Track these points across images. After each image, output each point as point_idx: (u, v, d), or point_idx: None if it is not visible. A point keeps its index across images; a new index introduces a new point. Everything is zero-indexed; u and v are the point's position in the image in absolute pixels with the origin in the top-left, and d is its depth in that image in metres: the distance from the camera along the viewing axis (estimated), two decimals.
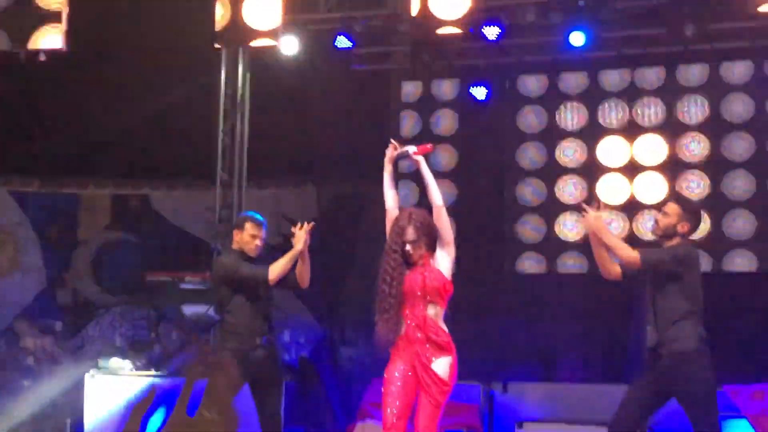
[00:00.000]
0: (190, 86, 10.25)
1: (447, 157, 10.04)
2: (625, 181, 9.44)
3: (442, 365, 5.23)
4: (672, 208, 5.64)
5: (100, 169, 11.23)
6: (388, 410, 5.22)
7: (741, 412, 7.83)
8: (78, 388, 8.99)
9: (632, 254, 5.51)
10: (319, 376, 10.22)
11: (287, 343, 10.50)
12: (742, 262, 9.10)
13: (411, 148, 5.56)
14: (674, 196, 5.84)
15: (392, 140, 5.63)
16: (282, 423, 6.40)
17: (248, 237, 6.26)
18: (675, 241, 5.61)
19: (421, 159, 5.53)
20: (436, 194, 5.43)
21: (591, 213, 5.60)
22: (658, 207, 5.89)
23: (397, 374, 5.25)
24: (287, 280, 6.27)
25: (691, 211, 5.71)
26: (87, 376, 8.77)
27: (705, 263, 9.08)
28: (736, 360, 8.58)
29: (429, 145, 5.70)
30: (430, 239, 5.34)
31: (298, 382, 9.85)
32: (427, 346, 5.23)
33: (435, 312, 5.30)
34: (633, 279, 5.71)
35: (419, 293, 5.29)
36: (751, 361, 8.59)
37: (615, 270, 5.67)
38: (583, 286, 9.35)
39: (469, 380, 8.84)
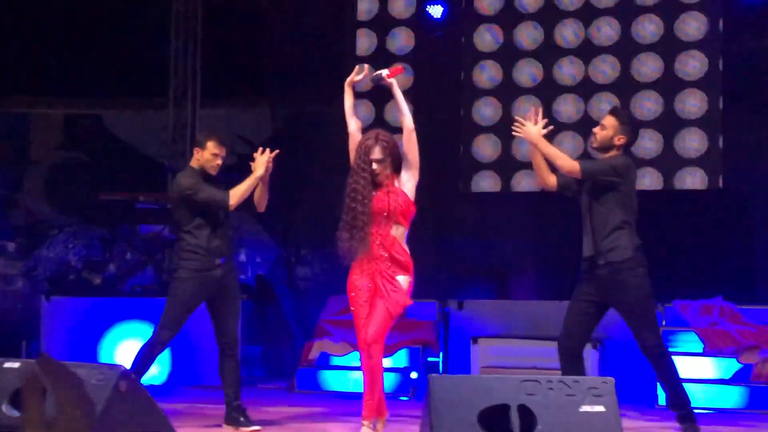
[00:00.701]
0: (142, 4, 10.07)
1: (403, 76, 9.96)
2: (580, 100, 9.50)
3: (402, 282, 5.45)
4: (609, 120, 5.70)
5: (52, 89, 11.04)
6: (360, 320, 5.44)
7: (690, 326, 8.02)
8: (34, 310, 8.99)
9: (572, 164, 5.61)
10: (276, 295, 10.28)
11: (243, 262, 10.53)
12: (692, 180, 9.23)
13: (383, 72, 5.56)
14: (612, 109, 5.88)
15: (363, 64, 5.64)
16: (239, 341, 6.44)
17: (209, 156, 6.19)
18: (611, 153, 5.68)
19: (393, 81, 5.55)
20: (408, 118, 5.48)
21: (529, 124, 5.64)
22: None
23: (362, 288, 5.46)
24: (244, 203, 6.25)
25: (628, 123, 5.77)
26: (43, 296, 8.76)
27: (656, 181, 9.24)
28: (685, 276, 8.75)
29: (400, 67, 5.70)
30: (396, 160, 5.46)
31: (254, 302, 9.90)
32: (390, 263, 5.43)
33: (398, 232, 5.47)
34: (568, 189, 5.78)
35: (385, 214, 5.44)
36: (699, 276, 8.76)
37: (551, 180, 5.76)
38: (538, 204, 9.45)
39: (425, 298, 8.95)
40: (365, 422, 5.57)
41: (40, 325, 8.99)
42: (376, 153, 5.43)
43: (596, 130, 5.75)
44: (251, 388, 8.14)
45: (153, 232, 9.44)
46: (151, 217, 9.47)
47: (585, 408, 3.70)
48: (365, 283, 5.45)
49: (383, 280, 5.41)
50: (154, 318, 6.29)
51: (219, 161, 6.18)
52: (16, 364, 4.12)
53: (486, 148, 9.79)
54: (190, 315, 6.23)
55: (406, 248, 5.51)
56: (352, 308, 5.52)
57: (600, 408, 3.71)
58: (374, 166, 5.41)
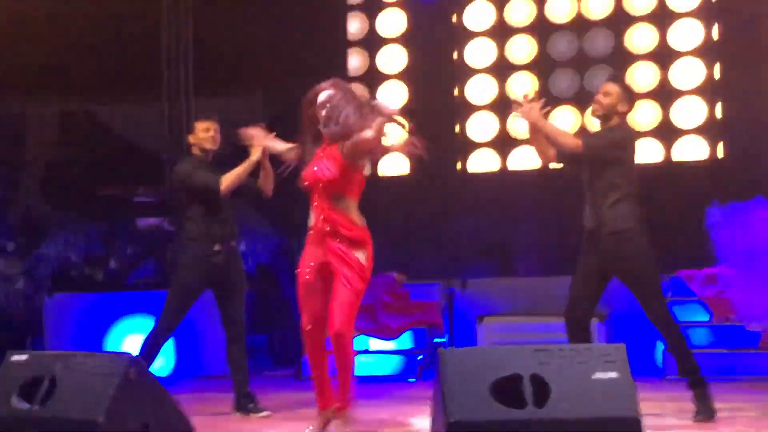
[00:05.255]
0: None
1: (397, 57, 9.95)
2: (576, 74, 9.46)
3: (361, 258, 4.92)
4: (612, 87, 5.68)
5: (45, 86, 10.97)
6: (305, 317, 5.00)
7: (696, 296, 8.00)
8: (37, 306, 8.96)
9: (574, 141, 5.59)
10: (278, 284, 10.25)
11: (243, 252, 10.49)
12: (692, 150, 9.19)
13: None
14: (611, 76, 5.84)
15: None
16: (245, 329, 6.41)
17: (201, 134, 6.23)
18: (615, 121, 5.66)
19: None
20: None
21: (526, 104, 5.60)
22: None
23: (308, 274, 4.95)
24: (250, 189, 6.25)
25: (629, 90, 5.80)
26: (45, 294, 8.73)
27: (655, 153, 9.20)
28: (688, 246, 8.72)
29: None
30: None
31: (257, 291, 9.88)
32: (339, 240, 4.91)
33: (345, 204, 4.96)
34: (569, 162, 5.76)
35: (321, 185, 4.94)
36: (703, 246, 8.73)
37: (551, 153, 5.73)
38: (537, 181, 9.42)
39: (428, 279, 8.95)
40: (329, 413, 5.05)
41: (44, 322, 8.97)
42: (323, 96, 4.93)
43: (599, 97, 5.71)
44: (258, 377, 8.10)
45: (152, 225, 9.41)
46: (150, 210, 9.44)
47: (598, 375, 3.68)
48: (313, 269, 4.92)
49: (338, 261, 4.85)
50: (158, 311, 6.26)
51: (212, 133, 6.22)
52: (23, 357, 4.10)
53: (482, 126, 9.74)
54: (194, 303, 6.21)
55: (358, 220, 4.96)
56: (299, 295, 4.99)
57: (613, 374, 3.69)
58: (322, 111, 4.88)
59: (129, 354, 4.00)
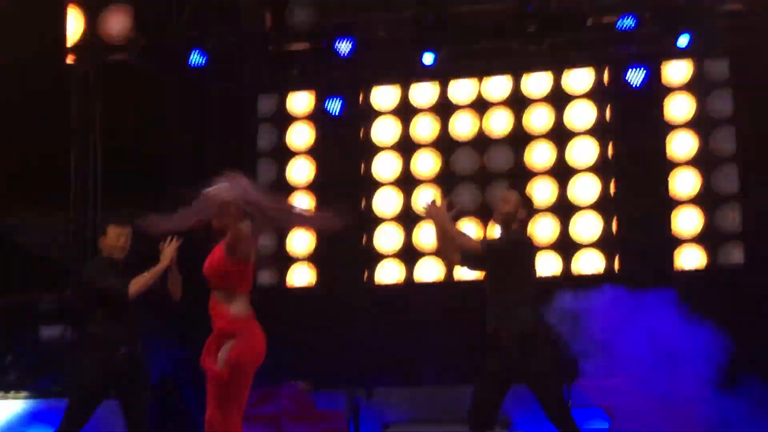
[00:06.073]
0: (40, 104, 10.03)
1: (304, 169, 10.15)
2: (478, 189, 9.75)
3: (224, 350, 4.85)
4: (512, 195, 5.92)
5: None
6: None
7: (594, 403, 8.17)
8: None
9: (474, 242, 5.82)
10: (181, 395, 10.12)
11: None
12: (590, 263, 9.49)
13: None
14: (512, 188, 6.10)
15: None
16: None
17: (112, 240, 6.20)
18: (515, 227, 5.86)
19: None
20: None
21: (434, 205, 5.79)
22: None
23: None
24: (158, 293, 6.24)
25: (527, 198, 6.03)
26: None
27: (554, 266, 9.47)
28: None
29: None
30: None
31: (159, 401, 9.73)
32: (217, 332, 4.90)
33: (222, 295, 4.93)
34: (471, 265, 5.94)
35: (207, 277, 4.98)
36: None
37: (456, 257, 5.92)
38: (441, 292, 9.58)
39: (333, 389, 8.96)
40: None
41: None
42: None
43: (500, 206, 5.92)
44: None
45: (55, 334, 9.26)
46: (53, 318, 9.30)
47: None
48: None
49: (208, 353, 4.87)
50: (56, 421, 6.14)
51: (122, 243, 6.18)
52: None
53: (388, 238, 9.93)
54: (96, 408, 6.11)
55: (232, 310, 4.88)
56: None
57: None
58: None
59: None
